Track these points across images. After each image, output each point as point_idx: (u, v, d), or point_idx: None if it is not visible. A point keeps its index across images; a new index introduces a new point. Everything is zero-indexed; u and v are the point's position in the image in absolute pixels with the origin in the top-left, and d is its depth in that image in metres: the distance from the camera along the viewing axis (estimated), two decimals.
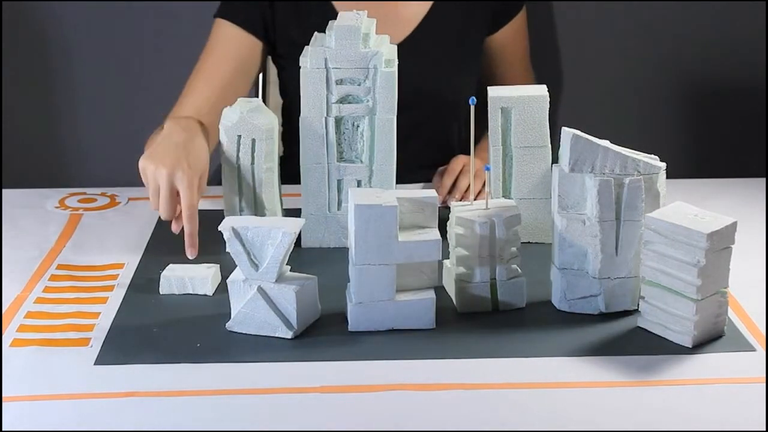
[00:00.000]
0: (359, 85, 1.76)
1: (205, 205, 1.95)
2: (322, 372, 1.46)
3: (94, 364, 1.48)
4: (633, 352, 1.50)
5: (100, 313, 1.61)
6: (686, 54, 2.86)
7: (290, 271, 1.56)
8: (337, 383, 1.43)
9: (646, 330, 1.55)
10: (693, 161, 2.92)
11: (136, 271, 1.74)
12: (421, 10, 2.16)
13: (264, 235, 1.52)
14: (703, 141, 2.93)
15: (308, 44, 1.78)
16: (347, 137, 1.79)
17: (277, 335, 1.53)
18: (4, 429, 1.34)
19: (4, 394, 1.40)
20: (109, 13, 2.84)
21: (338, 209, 1.81)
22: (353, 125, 1.78)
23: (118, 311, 1.62)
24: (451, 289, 1.64)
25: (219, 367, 1.47)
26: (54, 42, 2.86)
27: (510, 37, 2.25)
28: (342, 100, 1.76)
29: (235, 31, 2.13)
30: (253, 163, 1.76)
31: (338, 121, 1.78)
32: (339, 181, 1.80)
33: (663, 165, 1.58)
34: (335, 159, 1.79)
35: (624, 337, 1.54)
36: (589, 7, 2.82)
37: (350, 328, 1.55)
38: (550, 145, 1.80)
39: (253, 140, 1.75)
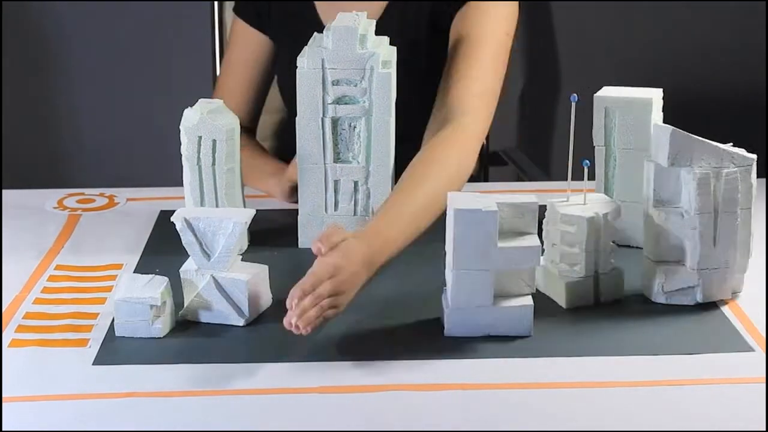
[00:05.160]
0: (355, 86, 1.75)
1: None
2: (321, 372, 1.46)
3: (93, 364, 1.48)
4: (633, 352, 1.50)
5: (98, 313, 1.61)
6: (686, 54, 2.86)
7: (256, 264, 1.58)
8: (337, 383, 1.43)
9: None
10: None
11: (134, 271, 1.74)
12: None
13: (215, 226, 1.55)
14: None
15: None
16: (344, 138, 1.78)
17: (229, 323, 1.56)
18: (4, 429, 1.34)
19: (3, 395, 1.40)
20: (109, 14, 2.85)
21: (335, 210, 1.81)
22: (350, 126, 1.78)
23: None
24: (546, 288, 1.64)
25: (219, 367, 1.47)
26: (54, 42, 2.86)
27: (470, 18, 1.93)
28: (338, 101, 1.76)
29: (246, 28, 2.12)
30: (214, 164, 1.75)
31: (335, 122, 1.77)
32: (335, 182, 1.80)
33: (754, 157, 1.59)
34: (332, 160, 1.79)
35: (624, 337, 1.54)
36: (589, 7, 2.82)
37: (446, 333, 1.53)
38: None
39: (214, 141, 1.74)
